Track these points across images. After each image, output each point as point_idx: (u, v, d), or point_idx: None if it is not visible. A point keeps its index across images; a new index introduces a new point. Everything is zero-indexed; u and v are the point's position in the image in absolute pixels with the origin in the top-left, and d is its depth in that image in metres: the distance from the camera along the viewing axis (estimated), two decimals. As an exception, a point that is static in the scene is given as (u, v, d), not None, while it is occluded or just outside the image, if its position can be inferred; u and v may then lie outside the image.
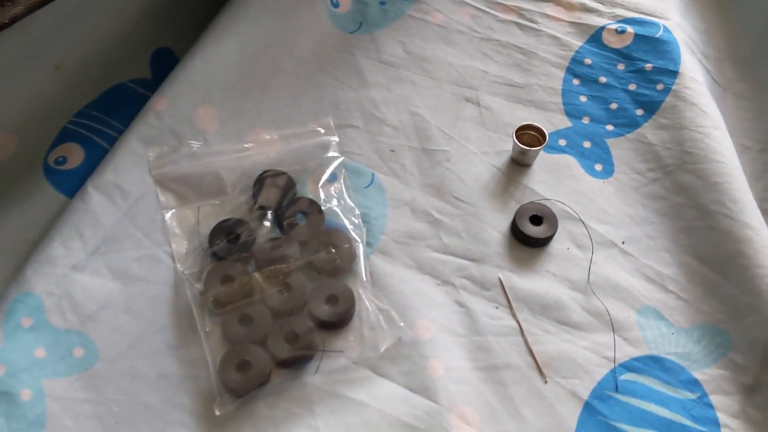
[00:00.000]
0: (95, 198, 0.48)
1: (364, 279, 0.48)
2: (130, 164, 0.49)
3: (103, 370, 0.44)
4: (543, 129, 0.53)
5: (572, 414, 0.44)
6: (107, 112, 0.55)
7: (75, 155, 0.52)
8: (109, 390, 0.44)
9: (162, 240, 0.49)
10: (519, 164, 0.54)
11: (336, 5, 0.60)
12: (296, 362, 0.45)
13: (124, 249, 0.48)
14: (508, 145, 0.54)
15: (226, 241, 0.48)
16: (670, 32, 0.57)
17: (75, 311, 0.45)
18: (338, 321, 0.46)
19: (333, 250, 0.47)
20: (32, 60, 0.53)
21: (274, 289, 0.46)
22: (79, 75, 0.56)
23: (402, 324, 0.46)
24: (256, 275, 0.46)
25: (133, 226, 0.48)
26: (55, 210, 0.50)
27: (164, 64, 0.57)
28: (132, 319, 0.46)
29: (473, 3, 0.62)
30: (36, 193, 0.51)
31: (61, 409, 0.42)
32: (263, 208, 0.49)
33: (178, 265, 0.48)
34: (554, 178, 0.53)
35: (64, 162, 0.52)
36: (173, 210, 0.49)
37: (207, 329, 0.46)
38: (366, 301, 0.47)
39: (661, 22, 0.58)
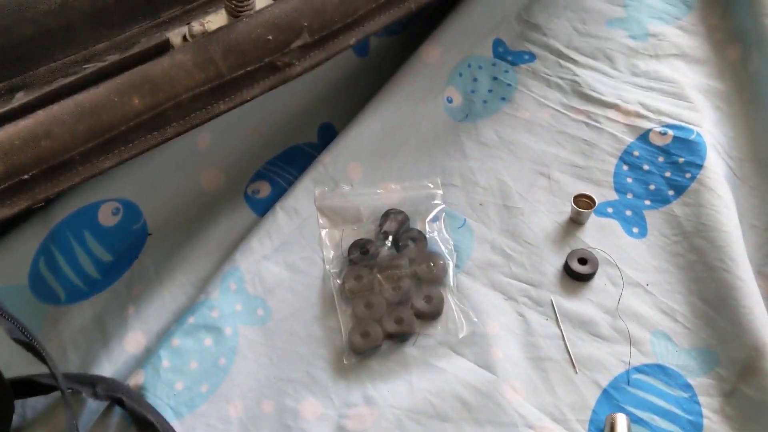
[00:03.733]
0: (280, 214, 0.69)
1: (452, 287, 0.65)
2: (304, 195, 0.70)
3: (273, 327, 0.63)
4: (594, 197, 0.71)
5: (593, 396, 0.59)
6: (286, 163, 0.75)
7: (264, 189, 0.73)
8: (276, 340, 0.63)
9: (318, 248, 0.68)
10: (575, 222, 0.71)
11: (450, 101, 0.80)
12: (400, 336, 0.62)
13: (294, 250, 0.67)
14: (568, 208, 0.70)
15: (359, 253, 0.67)
16: (701, 136, 0.72)
17: (261, 285, 0.65)
18: (431, 313, 0.64)
19: (432, 264, 0.66)
20: (239, 125, 0.75)
21: (389, 286, 0.65)
22: (269, 137, 0.76)
23: (476, 320, 0.64)
24: (378, 276, 0.65)
25: (302, 236, 0.68)
26: (250, 224, 0.70)
27: (327, 133, 0.77)
28: (294, 296, 0.65)
29: (553, 105, 0.79)
30: (237, 212, 0.71)
31: (247, 345, 0.62)
32: (386, 234, 0.68)
33: (327, 266, 0.67)
34: (601, 235, 0.69)
35: (258, 193, 0.73)
36: (327, 229, 0.69)
37: (342, 309, 0.64)
38: (452, 303, 0.64)
39: (695, 128, 0.73)
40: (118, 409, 0.57)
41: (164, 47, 0.62)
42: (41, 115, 0.57)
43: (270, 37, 0.62)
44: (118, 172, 0.68)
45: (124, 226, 0.68)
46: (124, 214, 0.69)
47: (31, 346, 0.51)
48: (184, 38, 0.62)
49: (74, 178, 0.57)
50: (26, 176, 0.55)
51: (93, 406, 0.59)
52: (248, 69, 0.62)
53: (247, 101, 0.62)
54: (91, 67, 0.61)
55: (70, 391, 0.54)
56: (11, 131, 0.56)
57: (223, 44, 0.61)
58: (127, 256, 0.68)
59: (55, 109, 0.57)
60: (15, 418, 0.57)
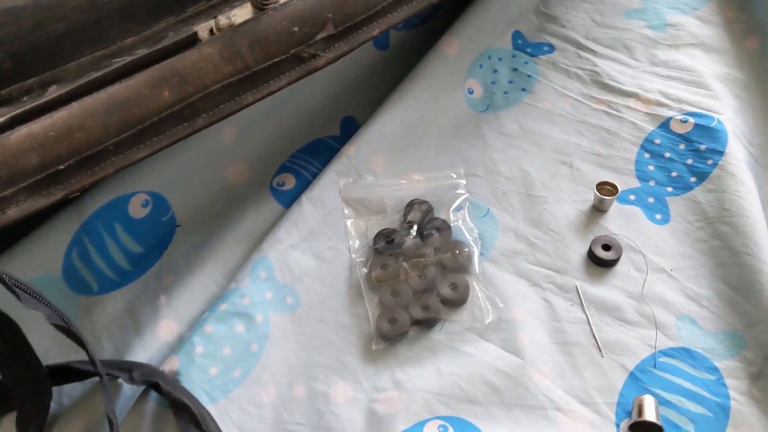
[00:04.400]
0: (306, 205, 0.70)
1: (478, 274, 0.66)
2: (328, 186, 0.71)
3: (302, 314, 0.65)
4: (617, 184, 0.72)
5: (620, 379, 0.60)
6: (310, 156, 0.76)
7: (290, 181, 0.74)
8: (305, 327, 0.64)
9: (344, 238, 0.69)
10: (598, 210, 0.71)
11: (471, 92, 0.82)
12: (427, 323, 0.63)
13: (321, 240, 0.68)
14: (590, 196, 0.71)
15: (385, 242, 0.68)
16: (722, 123, 0.73)
17: (290, 274, 0.66)
18: (457, 300, 0.64)
19: (457, 252, 0.67)
20: (263, 119, 0.76)
21: (415, 274, 0.66)
22: (293, 131, 0.77)
23: (502, 306, 0.65)
24: (404, 264, 0.66)
25: (327, 226, 0.69)
26: (276, 215, 0.71)
27: (349, 126, 0.79)
28: (322, 285, 0.66)
29: (573, 95, 0.80)
30: (264, 205, 0.72)
31: (278, 332, 0.63)
32: (410, 224, 0.69)
33: (353, 255, 0.68)
34: (624, 222, 0.70)
35: (283, 185, 0.74)
36: (352, 219, 0.70)
37: (369, 297, 0.65)
38: (477, 290, 0.65)
39: (715, 116, 0.74)
40: (153, 395, 0.58)
41: (192, 41, 0.63)
42: (75, 107, 0.58)
43: (295, 29, 0.63)
44: (147, 166, 0.69)
45: (153, 219, 0.70)
46: (154, 207, 0.70)
47: (69, 331, 0.52)
48: (211, 32, 0.63)
49: (108, 168, 0.58)
50: (61, 167, 0.56)
51: (128, 393, 0.60)
52: (274, 61, 0.63)
53: (274, 92, 0.64)
54: (120, 61, 0.62)
55: (107, 376, 0.55)
56: (47, 123, 0.57)
57: (250, 37, 0.62)
58: (157, 248, 0.70)
59: (88, 101, 0.59)
60: (52, 406, 0.58)
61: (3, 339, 0.55)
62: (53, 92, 0.61)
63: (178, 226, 0.71)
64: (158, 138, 0.60)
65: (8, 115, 0.58)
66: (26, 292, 0.51)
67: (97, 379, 0.60)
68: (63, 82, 0.63)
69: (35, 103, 0.59)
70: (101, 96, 0.59)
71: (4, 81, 0.63)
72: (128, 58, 0.62)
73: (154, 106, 0.59)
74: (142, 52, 0.63)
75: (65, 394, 0.61)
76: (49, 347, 0.60)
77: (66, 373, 0.58)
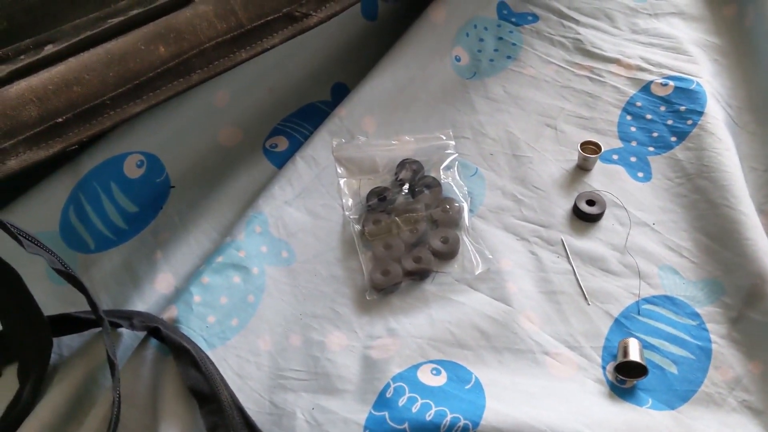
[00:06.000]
0: (300, 164, 0.71)
1: (467, 228, 0.68)
2: (321, 146, 0.73)
3: (297, 268, 0.66)
4: (600, 144, 0.74)
5: (605, 325, 0.62)
6: (302, 119, 0.78)
7: (282, 143, 0.76)
8: (300, 280, 0.65)
9: (337, 196, 0.71)
10: (582, 169, 0.73)
11: (458, 60, 0.84)
12: (419, 274, 0.65)
13: (315, 197, 0.70)
14: (574, 156, 0.73)
15: (377, 200, 0.70)
16: (701, 86, 0.76)
17: (284, 229, 0.67)
18: (448, 252, 0.66)
19: (447, 207, 0.69)
20: (256, 85, 0.78)
21: (407, 228, 0.67)
22: (285, 96, 0.79)
23: (491, 257, 0.67)
24: (396, 219, 0.68)
25: (321, 184, 0.71)
26: (269, 176, 0.73)
27: (340, 92, 0.80)
28: (316, 241, 0.68)
29: (557, 62, 0.82)
30: (257, 166, 0.74)
31: (273, 284, 0.64)
32: (401, 182, 0.71)
33: (346, 213, 0.69)
34: (607, 180, 0.72)
35: (275, 147, 0.76)
36: (345, 179, 0.72)
37: (362, 251, 0.67)
38: (467, 243, 0.67)
39: (695, 79, 0.76)
40: (153, 342, 0.59)
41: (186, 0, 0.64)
42: (72, 62, 0.60)
43: (288, -11, 0.64)
44: (142, 127, 0.70)
45: (148, 179, 0.71)
46: (148, 167, 0.71)
47: (70, 276, 0.53)
48: (206, -10, 0.64)
49: (105, 122, 0.59)
50: (60, 119, 0.57)
51: (128, 342, 0.61)
52: (267, 19, 0.64)
53: (268, 50, 0.65)
54: (115, 22, 0.63)
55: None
56: (45, 77, 0.58)
57: (243, -4, 0.63)
58: (152, 207, 0.71)
59: (86, 56, 0.60)
60: (52, 357, 0.60)
61: (4, 288, 0.56)
62: (50, 50, 0.62)
63: (173, 187, 0.72)
64: (154, 93, 0.61)
65: (7, 71, 0.58)
66: (28, 239, 0.52)
67: (96, 330, 0.61)
68: (59, 42, 0.64)
69: (33, 58, 0.60)
70: (98, 51, 0.60)
71: (1, 41, 0.63)
72: (123, 18, 0.64)
73: (150, 61, 0.61)
74: (136, 11, 0.64)
75: (65, 345, 0.62)
76: (48, 301, 0.61)
77: (66, 323, 0.59)
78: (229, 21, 0.63)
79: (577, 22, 0.86)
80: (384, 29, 0.87)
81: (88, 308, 0.55)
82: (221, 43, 0.63)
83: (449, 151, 0.74)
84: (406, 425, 0.54)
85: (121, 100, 0.60)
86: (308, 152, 0.73)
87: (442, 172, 0.73)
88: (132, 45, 0.61)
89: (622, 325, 0.63)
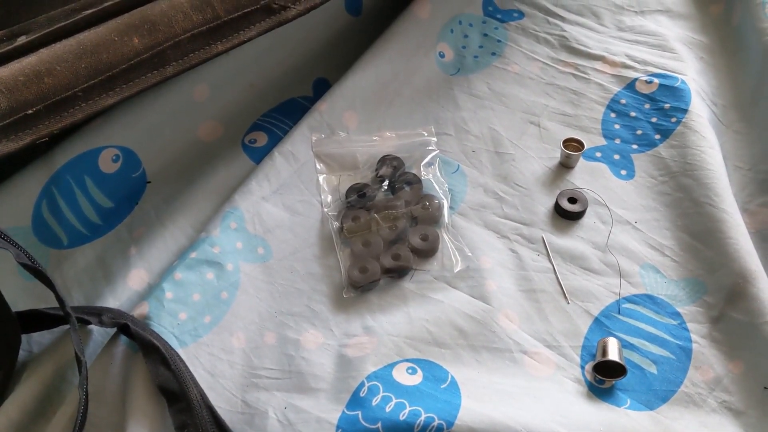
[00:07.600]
0: (278, 159, 0.70)
1: (447, 225, 0.67)
2: (301, 141, 0.71)
3: (274, 265, 0.65)
4: (583, 141, 0.73)
5: (585, 324, 0.61)
6: (282, 115, 0.77)
7: (261, 139, 0.75)
8: (276, 277, 0.64)
9: (316, 192, 0.70)
10: (565, 166, 0.73)
11: (443, 56, 0.83)
12: (397, 272, 0.64)
13: (293, 193, 0.69)
14: (558, 153, 0.73)
15: (357, 196, 0.69)
16: (686, 84, 0.75)
17: (261, 225, 0.66)
18: (427, 250, 0.65)
19: (427, 204, 0.68)
20: (236, 80, 0.76)
21: (386, 225, 0.66)
22: (265, 91, 0.78)
23: (470, 255, 0.66)
24: (375, 216, 0.67)
25: (299, 180, 0.70)
26: (248, 171, 0.71)
27: (322, 87, 0.79)
28: (293, 237, 0.67)
29: (541, 59, 0.82)
30: (236, 161, 0.73)
31: (248, 281, 0.63)
32: (382, 178, 0.70)
33: (325, 209, 0.68)
34: (590, 178, 0.71)
35: (255, 142, 0.74)
36: (324, 175, 0.71)
37: (340, 248, 0.66)
38: (447, 240, 0.67)
39: (680, 76, 0.76)
40: (122, 339, 0.58)
41: (162, -10, 0.63)
42: (44, 53, 0.58)
43: (265, -20, 0.63)
44: (117, 120, 0.69)
45: (123, 174, 0.70)
46: (124, 162, 0.70)
47: (37, 271, 0.52)
48: (182, -18, 0.63)
49: (77, 114, 0.58)
50: (30, 111, 0.56)
51: (98, 339, 0.60)
52: (245, 11, 0.63)
53: (245, 42, 0.64)
54: (89, 13, 0.62)
55: (77, 321, 0.55)
56: (15, 68, 0.57)
57: (220, -14, 0.62)
58: (128, 203, 0.69)
59: (57, 47, 0.59)
60: (21, 353, 0.58)
61: (-30, 283, 0.54)
62: (22, 41, 0.61)
63: (149, 182, 0.71)
64: (128, 85, 0.60)
65: (-24, 62, 0.57)
66: (-6, 232, 0.51)
67: (65, 327, 0.60)
68: (32, 33, 0.63)
69: (3, 50, 0.59)
70: (70, 42, 0.59)
71: (-28, 32, 0.62)
72: (97, 9, 0.62)
73: (123, 52, 0.59)
74: (111, 3, 0.63)
75: (34, 342, 0.60)
76: (18, 297, 0.60)
77: (35, 319, 0.58)
78: (205, 12, 0.62)
79: (562, 19, 0.86)
80: (368, 25, 0.86)
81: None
82: (197, 35, 0.62)
83: (431, 148, 0.74)
84: (379, 425, 0.53)
85: (93, 92, 0.58)
86: (287, 147, 0.71)
87: (423, 169, 0.72)
88: (105, 36, 0.60)
89: (602, 324, 0.62)
